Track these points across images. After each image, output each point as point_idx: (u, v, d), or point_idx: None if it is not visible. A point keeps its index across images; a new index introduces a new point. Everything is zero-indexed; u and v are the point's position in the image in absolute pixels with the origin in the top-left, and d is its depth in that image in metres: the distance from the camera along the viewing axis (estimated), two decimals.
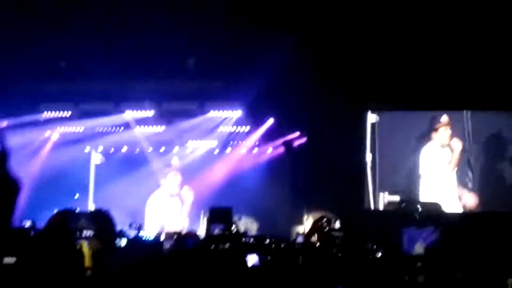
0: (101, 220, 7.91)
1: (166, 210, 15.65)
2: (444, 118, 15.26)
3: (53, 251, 5.43)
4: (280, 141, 17.02)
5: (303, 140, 16.69)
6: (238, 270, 5.57)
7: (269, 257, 7.01)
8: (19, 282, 4.24)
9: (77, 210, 12.19)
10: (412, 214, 8.50)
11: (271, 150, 17.51)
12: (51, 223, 7.13)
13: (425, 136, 15.52)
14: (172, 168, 16.14)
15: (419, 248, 8.68)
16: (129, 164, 18.10)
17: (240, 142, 17.68)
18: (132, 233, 12.46)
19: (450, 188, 15.30)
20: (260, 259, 6.63)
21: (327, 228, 8.73)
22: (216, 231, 7.78)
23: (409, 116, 16.07)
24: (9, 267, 3.90)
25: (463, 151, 15.17)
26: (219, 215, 8.13)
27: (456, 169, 15.27)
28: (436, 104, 15.46)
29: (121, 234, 10.60)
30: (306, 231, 10.01)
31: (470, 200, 15.26)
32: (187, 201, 15.58)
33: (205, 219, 15.26)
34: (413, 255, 8.09)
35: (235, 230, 8.09)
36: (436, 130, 15.29)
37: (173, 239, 11.14)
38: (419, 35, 14.76)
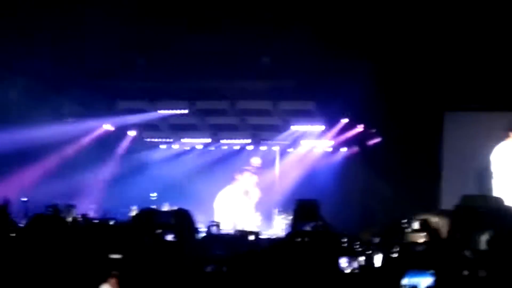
0: (182, 219, 8.13)
1: (238, 206, 15.77)
2: None
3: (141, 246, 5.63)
4: (354, 140, 17.01)
5: (378, 139, 16.64)
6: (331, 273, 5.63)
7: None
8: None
9: (161, 209, 12.50)
10: (474, 209, 8.37)
11: (345, 149, 17.50)
12: (137, 220, 7.36)
13: (500, 136, 15.29)
14: (252, 167, 16.18)
15: None
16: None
17: (314, 140, 17.69)
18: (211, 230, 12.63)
19: None
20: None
21: (409, 229, 8.72)
22: (308, 228, 7.69)
23: (483, 117, 15.90)
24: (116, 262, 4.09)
25: None
26: (306, 207, 7.99)
27: None
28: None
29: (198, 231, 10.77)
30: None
31: None
32: (253, 198, 15.74)
33: (280, 214, 15.46)
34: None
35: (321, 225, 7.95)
36: None
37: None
38: (497, 39, 14.58)
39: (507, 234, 5.77)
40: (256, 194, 15.92)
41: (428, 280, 5.24)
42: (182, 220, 8.11)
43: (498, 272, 4.85)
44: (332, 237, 8.32)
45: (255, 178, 15.89)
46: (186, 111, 17.86)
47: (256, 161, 16.37)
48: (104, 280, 6.08)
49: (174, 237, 7.36)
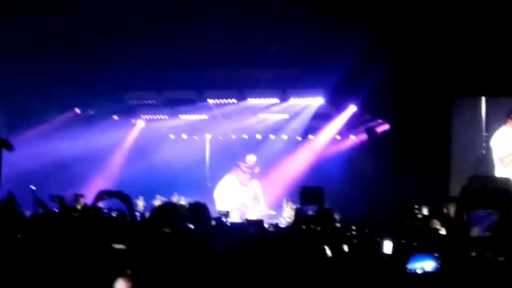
0: (199, 212, 8.23)
1: (239, 196, 15.89)
2: None
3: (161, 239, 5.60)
4: (363, 128, 16.95)
5: (386, 127, 16.58)
6: (336, 256, 5.60)
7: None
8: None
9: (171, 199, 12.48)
10: (483, 190, 8.22)
11: (354, 137, 17.45)
12: (155, 215, 7.34)
13: (501, 121, 15.21)
14: (247, 164, 16.21)
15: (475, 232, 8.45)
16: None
17: (322, 129, 17.67)
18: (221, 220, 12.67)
19: None
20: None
21: (419, 215, 8.68)
22: (310, 212, 7.64)
23: (492, 102, 15.78)
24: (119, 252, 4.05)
25: None
26: (311, 195, 7.93)
27: None
28: None
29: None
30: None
31: None
32: (252, 192, 15.87)
33: (289, 203, 15.48)
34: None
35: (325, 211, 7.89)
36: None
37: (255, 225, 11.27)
38: (504, 25, 14.46)
39: None
40: (255, 189, 15.98)
41: (432, 263, 5.21)
42: (200, 212, 8.24)
43: (505, 254, 4.82)
44: (337, 223, 8.30)
45: (248, 176, 15.96)
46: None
47: (251, 158, 16.36)
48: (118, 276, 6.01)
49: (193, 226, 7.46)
